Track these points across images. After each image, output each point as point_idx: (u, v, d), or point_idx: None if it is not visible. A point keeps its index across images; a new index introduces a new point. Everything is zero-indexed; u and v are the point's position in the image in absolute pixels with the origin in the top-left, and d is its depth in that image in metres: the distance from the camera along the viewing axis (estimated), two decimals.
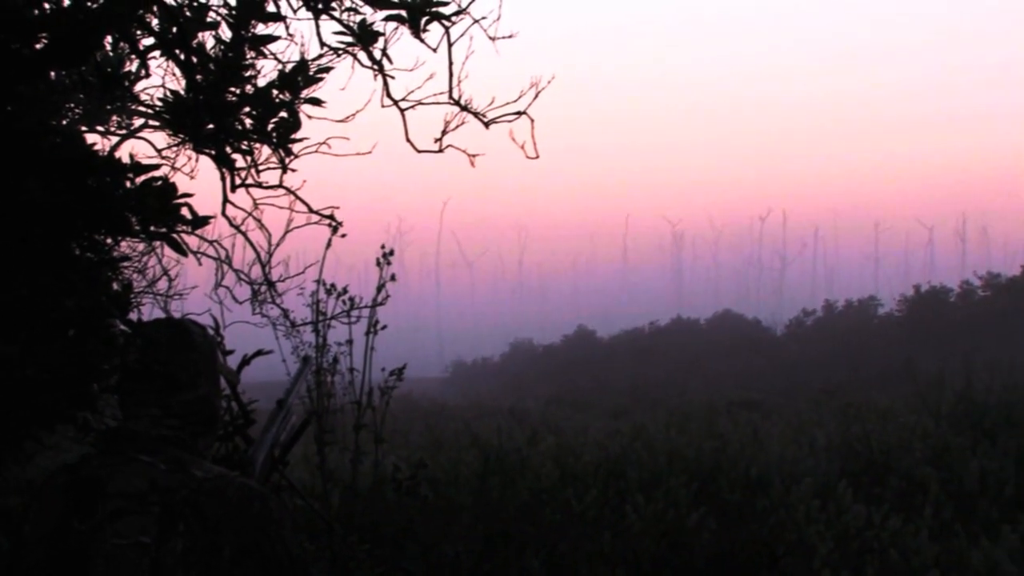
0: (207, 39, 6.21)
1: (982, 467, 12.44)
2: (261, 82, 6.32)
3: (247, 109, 6.32)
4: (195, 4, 6.06)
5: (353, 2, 6.31)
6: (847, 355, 62.27)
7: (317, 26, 6.40)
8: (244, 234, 7.40)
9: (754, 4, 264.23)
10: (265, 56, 6.32)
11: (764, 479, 11.94)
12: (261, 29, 6.22)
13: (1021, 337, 57.51)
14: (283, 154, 6.64)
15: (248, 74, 6.26)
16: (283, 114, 6.38)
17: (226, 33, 6.16)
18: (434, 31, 6.46)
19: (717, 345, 76.83)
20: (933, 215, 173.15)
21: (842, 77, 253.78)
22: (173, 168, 7.26)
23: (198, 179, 7.33)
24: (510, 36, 6.62)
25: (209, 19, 6.10)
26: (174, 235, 5.76)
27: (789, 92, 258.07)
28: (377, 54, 6.54)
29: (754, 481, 12.01)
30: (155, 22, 6.01)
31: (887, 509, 11.11)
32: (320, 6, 6.28)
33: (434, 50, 6.53)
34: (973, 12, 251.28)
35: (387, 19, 6.36)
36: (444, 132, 6.80)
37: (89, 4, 5.49)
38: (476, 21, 6.47)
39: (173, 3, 5.98)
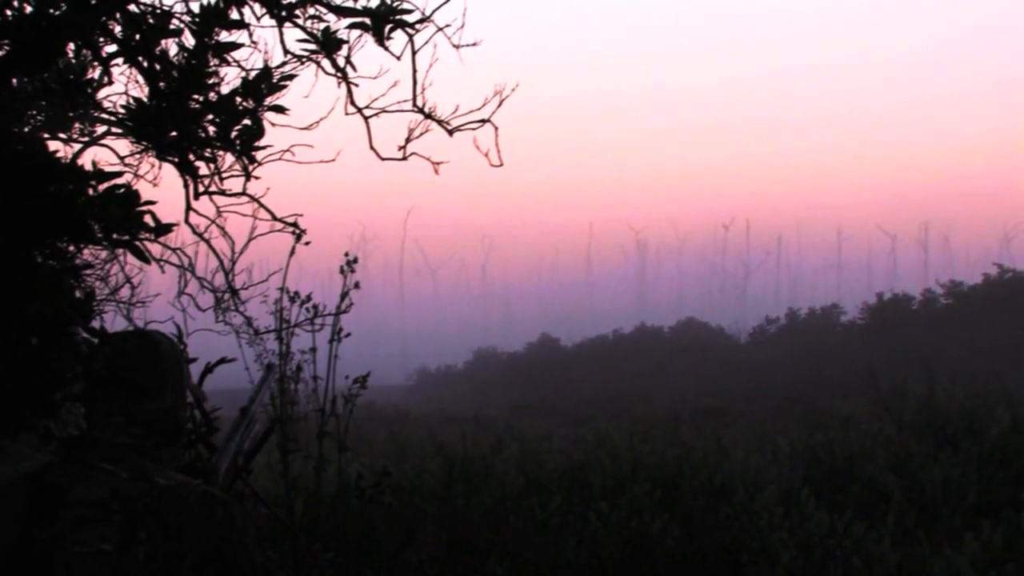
0: (170, 46, 6.20)
1: (944, 474, 12.50)
2: (224, 89, 6.32)
3: (210, 116, 6.31)
4: (158, 11, 6.05)
5: (317, 10, 6.32)
6: (810, 362, 62.49)
7: (281, 33, 6.39)
8: (207, 242, 7.39)
9: (715, 14, 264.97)
10: (228, 63, 6.31)
11: (727, 486, 11.96)
12: (224, 36, 6.21)
13: (983, 345, 57.82)
14: (246, 161, 6.63)
15: (211, 81, 6.26)
16: (247, 121, 6.37)
17: (189, 40, 6.16)
18: (398, 39, 6.47)
19: (681, 352, 77.00)
20: (895, 223, 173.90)
21: (804, 84, 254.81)
22: (136, 176, 7.24)
23: (161, 187, 7.31)
24: (474, 44, 6.63)
25: (172, 26, 6.09)
26: (137, 242, 5.75)
27: (751, 100, 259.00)
28: (341, 62, 6.54)
29: (717, 488, 12.03)
30: (118, 29, 6.00)
31: (850, 516, 11.14)
32: (284, 13, 6.28)
33: (398, 58, 6.53)
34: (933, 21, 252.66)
35: (351, 27, 6.36)
36: (408, 140, 6.80)
37: (52, 11, 5.47)
38: (440, 29, 6.48)
39: (136, 10, 5.97)
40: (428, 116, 6.76)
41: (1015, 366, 47.88)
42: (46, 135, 7.20)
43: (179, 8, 6.14)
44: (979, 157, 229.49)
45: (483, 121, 6.73)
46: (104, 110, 6.87)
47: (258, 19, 6.28)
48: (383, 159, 6.94)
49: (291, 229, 7.38)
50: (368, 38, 6.43)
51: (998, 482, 12.56)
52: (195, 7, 6.13)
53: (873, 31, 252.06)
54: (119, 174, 5.64)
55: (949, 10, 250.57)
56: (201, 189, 6.83)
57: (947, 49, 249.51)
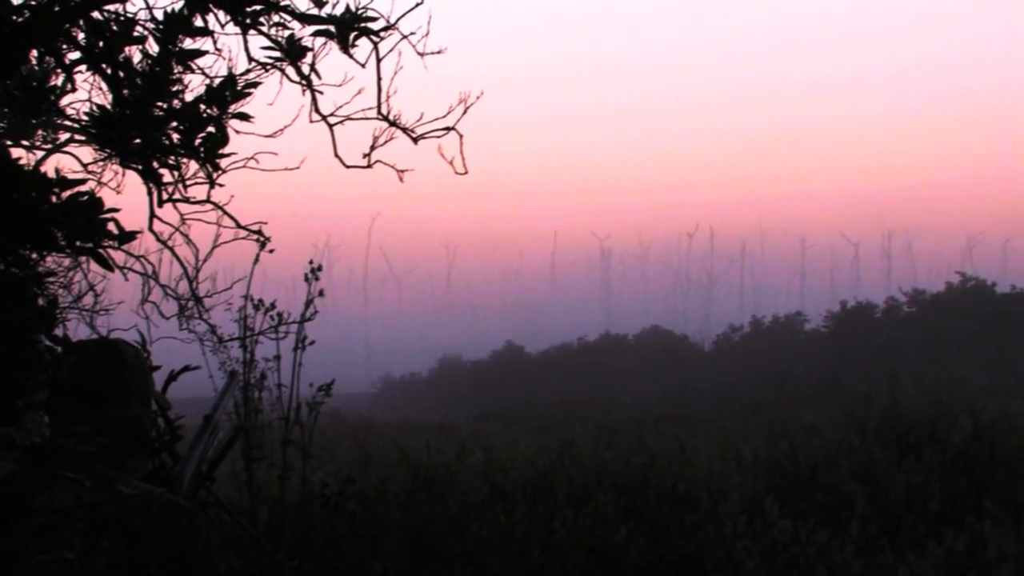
0: (134, 53, 6.18)
1: (907, 482, 12.54)
2: (188, 97, 6.30)
3: (174, 124, 6.30)
4: (122, 18, 6.03)
5: (281, 17, 6.31)
6: (774, 371, 62.69)
7: (245, 41, 6.38)
8: (171, 249, 7.37)
9: (683, 24, 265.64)
10: (192, 71, 6.30)
11: (692, 494, 11.97)
12: (188, 44, 6.20)
13: (946, 353, 58.12)
14: (211, 169, 6.61)
15: (175, 89, 6.24)
16: (211, 129, 6.36)
17: (153, 47, 6.14)
18: (363, 46, 6.46)
19: (645, 361, 77.20)
20: (859, 231, 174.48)
21: (769, 93, 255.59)
22: (99, 183, 7.22)
23: (124, 194, 7.29)
24: (439, 52, 6.63)
25: (136, 33, 6.07)
26: (100, 250, 5.73)
27: (715, 109, 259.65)
28: (305, 69, 6.53)
29: (682, 496, 12.04)
30: (81, 36, 5.98)
31: (813, 524, 11.17)
32: (248, 21, 6.26)
33: (363, 65, 6.53)
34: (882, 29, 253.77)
35: (315, 34, 6.36)
36: (373, 147, 6.80)
37: (14, 18, 5.46)
38: (405, 37, 6.48)
39: (100, 17, 5.95)
40: (393, 124, 6.75)
41: (977, 374, 48.14)
42: (9, 142, 7.17)
43: (143, 15, 6.13)
44: (941, 166, 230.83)
45: (448, 129, 6.73)
46: (67, 117, 6.85)
47: (222, 26, 6.26)
48: (348, 167, 6.93)
49: (255, 237, 7.37)
50: (333, 46, 6.42)
51: (960, 489, 12.61)
52: (159, 14, 6.11)
53: (830, 43, 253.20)
54: (82, 181, 5.63)
55: (921, 20, 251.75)
56: (165, 196, 6.81)
57: (909, 61, 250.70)
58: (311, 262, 9.63)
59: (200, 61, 6.28)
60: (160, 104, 6.21)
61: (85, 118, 6.38)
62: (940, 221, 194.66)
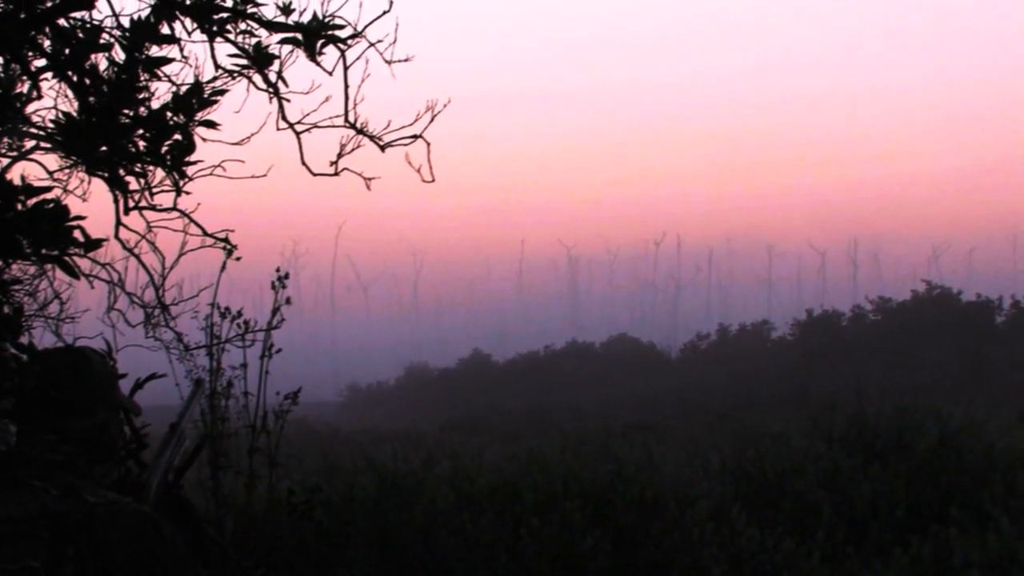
0: (100, 61, 6.16)
1: (874, 490, 12.57)
2: (155, 104, 6.28)
3: (141, 131, 6.28)
4: (88, 25, 6.02)
5: (248, 25, 6.30)
6: (741, 378, 62.81)
7: (212, 48, 6.37)
8: (137, 257, 7.34)
9: (649, 33, 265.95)
10: (159, 78, 6.28)
11: (659, 502, 11.97)
12: (155, 51, 6.18)
13: (911, 360, 58.33)
14: (177, 177, 6.59)
15: (142, 96, 6.22)
16: (177, 136, 6.34)
17: (120, 55, 6.12)
18: (330, 54, 6.46)
19: (612, 368, 77.27)
20: (825, 239, 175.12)
21: (734, 100, 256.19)
22: (65, 191, 7.19)
23: (91, 202, 7.27)
24: (406, 59, 6.63)
25: (102, 41, 6.06)
26: (66, 258, 5.71)
27: (682, 117, 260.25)
28: (272, 77, 6.52)
29: (649, 504, 12.04)
30: (47, 43, 5.96)
31: (780, 532, 11.19)
32: (215, 28, 6.25)
33: (330, 73, 6.52)
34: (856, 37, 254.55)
35: (282, 42, 6.35)
36: (340, 155, 6.79)
37: None
38: (372, 44, 6.48)
39: (66, 24, 5.94)
40: (360, 132, 6.75)
41: (943, 381, 48.32)
42: None
43: (109, 22, 6.11)
44: (907, 175, 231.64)
45: (415, 137, 6.73)
46: (33, 124, 6.82)
47: (189, 34, 6.25)
48: (315, 174, 6.92)
49: (222, 244, 7.35)
50: (300, 53, 6.42)
51: (926, 497, 12.65)
52: (125, 21, 6.10)
53: (801, 56, 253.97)
54: (48, 189, 5.61)
55: (896, 31, 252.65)
56: (131, 204, 6.79)
57: (875, 72, 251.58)
58: (278, 270, 9.62)
59: (167, 68, 6.26)
60: (126, 111, 6.19)
61: (51, 125, 6.36)
62: (906, 229, 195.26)
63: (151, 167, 6.53)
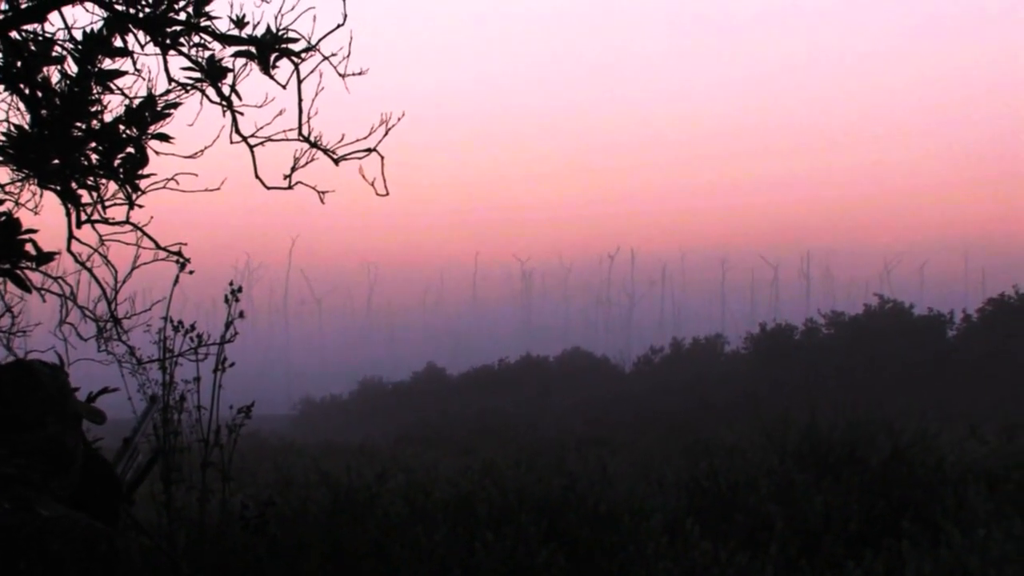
0: (52, 73, 6.15)
1: (826, 503, 12.60)
2: (108, 117, 6.28)
3: (93, 144, 6.27)
4: (40, 38, 6.00)
5: (202, 38, 6.29)
6: (694, 392, 62.92)
7: (165, 61, 6.36)
8: (90, 270, 7.32)
9: (605, 43, 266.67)
10: (112, 91, 6.27)
11: (613, 515, 11.98)
12: (108, 64, 6.17)
13: (864, 374, 58.57)
14: (130, 190, 6.58)
15: (94, 109, 6.21)
16: (130, 149, 6.33)
17: (72, 67, 6.11)
18: (284, 67, 6.46)
19: (566, 382, 77.29)
20: (778, 253, 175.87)
21: (684, 116, 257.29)
22: (17, 204, 7.16)
23: (42, 215, 7.24)
24: (360, 73, 6.64)
25: (55, 53, 6.04)
26: (18, 271, 5.69)
27: (634, 130, 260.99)
28: (226, 90, 6.52)
29: (603, 517, 12.05)
30: None
31: (734, 545, 11.21)
32: (168, 41, 6.25)
33: (283, 86, 6.53)
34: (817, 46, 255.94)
35: (236, 55, 6.35)
36: (294, 168, 6.79)
37: None
38: (326, 58, 6.49)
39: (18, 37, 5.92)
40: (314, 145, 6.75)
41: (896, 395, 48.52)
42: None
43: (62, 35, 6.10)
44: (859, 189, 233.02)
45: (369, 150, 6.73)
46: None
47: (142, 47, 6.25)
48: (268, 188, 6.92)
49: (175, 258, 7.34)
50: (253, 67, 6.42)
51: (879, 511, 12.69)
52: (78, 34, 6.08)
53: (756, 71, 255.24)
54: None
55: (840, 50, 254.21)
56: (83, 217, 6.78)
57: (825, 87, 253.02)
58: (231, 283, 9.58)
59: (119, 81, 6.26)
60: (79, 124, 6.18)
61: (2, 138, 6.34)
62: (858, 243, 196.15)
63: (104, 180, 6.52)
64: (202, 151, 6.79)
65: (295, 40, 6.37)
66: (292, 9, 6.31)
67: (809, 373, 59.29)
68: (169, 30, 6.24)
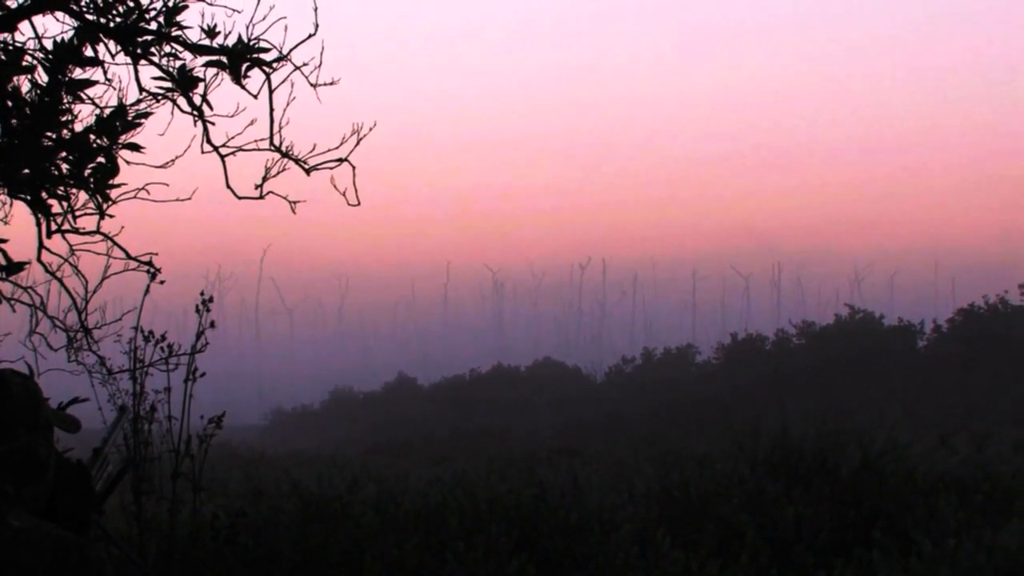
0: (23, 83, 6.13)
1: (797, 513, 12.61)
2: (78, 127, 6.26)
3: (64, 154, 6.25)
4: (10, 47, 5.98)
5: (173, 47, 6.29)
6: (666, 402, 63.04)
7: (136, 71, 6.35)
8: (60, 280, 7.30)
9: (575, 53, 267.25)
10: (83, 100, 6.26)
11: (584, 525, 11.98)
12: (79, 73, 6.16)
13: (834, 384, 58.74)
14: (100, 200, 6.57)
15: (65, 119, 6.20)
16: (101, 159, 6.32)
17: (42, 77, 6.10)
18: (255, 77, 6.46)
19: (537, 392, 77.31)
20: (749, 264, 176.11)
21: (654, 126, 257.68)
22: None
23: (12, 225, 7.22)
24: (331, 83, 6.64)
25: (25, 63, 6.03)
26: None
27: (603, 141, 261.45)
28: (197, 100, 6.51)
29: (574, 527, 12.04)
30: None
31: (704, 555, 11.22)
32: (139, 51, 6.24)
33: (255, 96, 6.52)
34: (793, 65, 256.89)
35: (207, 65, 6.34)
36: (265, 178, 6.78)
37: None
38: (297, 68, 6.48)
39: None
40: (285, 155, 6.74)
41: (866, 405, 48.66)
42: None
43: (32, 44, 6.08)
44: (829, 199, 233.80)
45: (341, 160, 6.73)
46: None
47: (113, 56, 6.23)
48: (240, 198, 6.91)
49: (145, 268, 7.33)
50: (225, 76, 6.41)
51: (849, 521, 12.71)
52: (48, 44, 6.07)
53: (727, 81, 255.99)
54: None
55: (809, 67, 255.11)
56: (54, 227, 6.76)
57: (796, 98, 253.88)
58: (202, 293, 9.56)
59: (90, 91, 6.25)
60: (49, 134, 6.17)
61: None
62: (829, 254, 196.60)
63: (74, 190, 6.50)
64: (173, 161, 6.77)
65: (266, 50, 6.37)
66: (264, 19, 6.31)
67: (780, 383, 59.43)
68: (140, 40, 6.23)
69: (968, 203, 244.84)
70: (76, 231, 6.86)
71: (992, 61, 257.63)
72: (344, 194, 6.84)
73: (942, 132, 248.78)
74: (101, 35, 6.15)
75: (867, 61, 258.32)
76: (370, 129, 6.76)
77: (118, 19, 6.20)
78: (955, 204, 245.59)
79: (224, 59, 6.33)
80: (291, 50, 6.42)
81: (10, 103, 6.01)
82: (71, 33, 6.13)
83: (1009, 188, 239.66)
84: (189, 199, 7.14)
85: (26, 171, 6.22)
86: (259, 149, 6.73)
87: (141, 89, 6.41)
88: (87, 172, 6.31)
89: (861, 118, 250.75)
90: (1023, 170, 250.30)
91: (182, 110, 6.58)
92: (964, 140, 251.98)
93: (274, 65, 6.46)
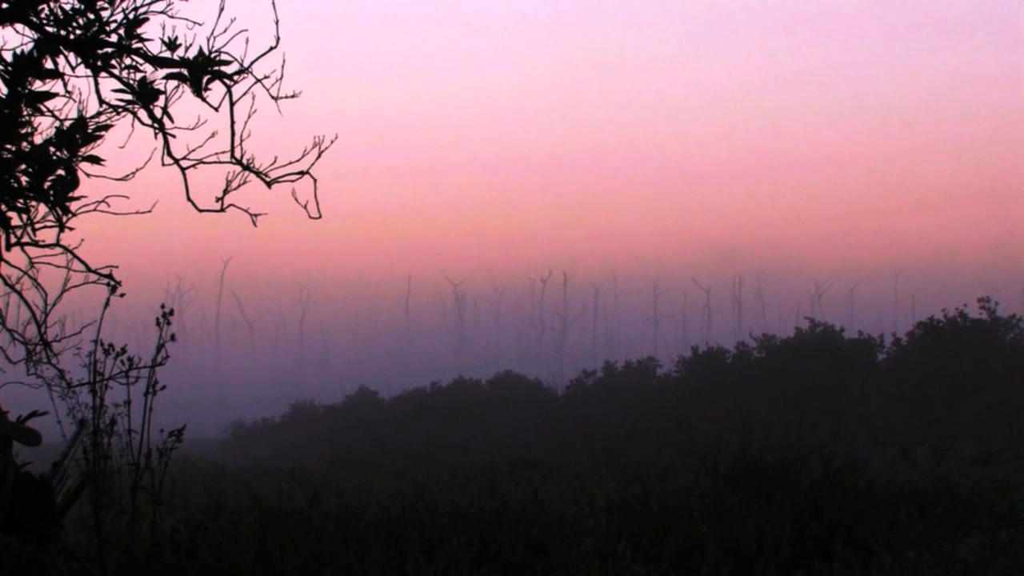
0: None
1: (758, 526, 12.64)
2: (38, 139, 6.24)
3: (23, 166, 6.22)
4: None
5: (134, 60, 6.27)
6: (627, 415, 63.14)
7: (96, 83, 6.34)
8: (19, 293, 7.27)
9: (534, 68, 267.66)
10: (42, 113, 6.23)
11: (545, 539, 11.97)
12: (38, 86, 6.14)
13: (796, 397, 58.96)
14: (60, 212, 6.54)
15: (24, 131, 6.17)
16: (60, 172, 6.29)
17: (2, 89, 6.07)
18: (216, 90, 6.44)
19: (498, 405, 77.34)
20: (710, 277, 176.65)
21: (614, 138, 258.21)
22: None
23: None
24: (293, 96, 6.63)
25: None
26: None
27: (565, 154, 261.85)
28: (158, 112, 6.49)
29: (535, 541, 12.04)
30: None
31: (666, 568, 11.23)
32: (99, 63, 6.22)
33: (216, 109, 6.51)
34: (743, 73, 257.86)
35: (168, 77, 6.33)
36: (226, 191, 6.77)
37: None
38: (259, 80, 6.48)
39: None
40: (246, 168, 6.73)
41: (827, 418, 48.85)
42: None
43: None
44: (790, 212, 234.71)
45: (302, 173, 6.72)
46: None
47: (73, 68, 6.22)
48: (200, 211, 6.89)
49: (106, 280, 7.30)
50: (185, 89, 6.39)
51: (811, 533, 12.74)
52: (8, 55, 6.05)
53: (695, 92, 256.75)
54: None
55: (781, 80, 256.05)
56: (13, 240, 6.72)
57: (760, 109, 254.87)
58: (163, 306, 9.53)
59: (50, 103, 6.22)
60: (9, 147, 6.14)
61: None
62: (789, 267, 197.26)
63: (34, 203, 6.47)
64: (133, 173, 6.75)
65: (228, 63, 6.36)
66: (225, 32, 6.30)
67: (741, 396, 59.60)
68: (100, 52, 6.21)
69: (928, 218, 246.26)
70: (35, 244, 6.83)
71: (959, 75, 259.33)
72: (305, 207, 6.83)
73: (900, 146, 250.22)
74: (61, 47, 6.14)
75: (826, 71, 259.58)
76: (331, 142, 6.76)
77: (78, 31, 6.19)
78: (915, 218, 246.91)
79: (185, 72, 6.32)
80: (252, 63, 6.41)
81: None
82: (31, 45, 6.11)
83: (968, 202, 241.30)
84: (150, 212, 7.12)
85: None
86: (220, 162, 6.72)
87: (101, 101, 6.40)
88: (47, 185, 6.29)
89: (820, 132, 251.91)
90: (982, 184, 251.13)
91: (143, 123, 6.56)
92: (922, 155, 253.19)
93: (235, 78, 6.45)
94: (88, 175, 6.44)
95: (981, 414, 54.23)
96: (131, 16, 6.24)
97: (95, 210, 6.69)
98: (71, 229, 6.76)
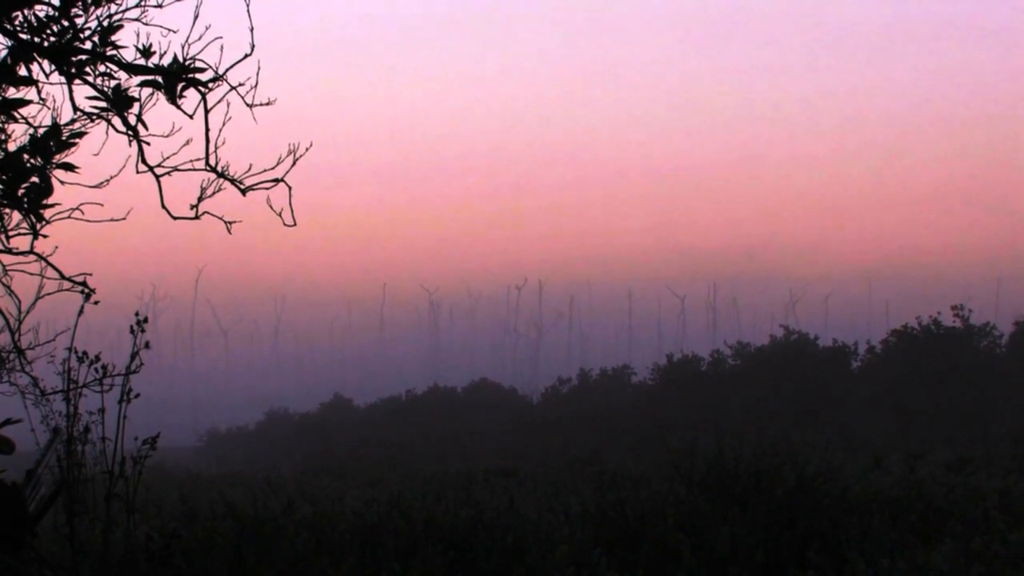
0: None
1: (733, 533, 12.66)
2: (12, 146, 6.22)
3: None
4: None
5: (108, 67, 6.26)
6: (602, 423, 63.21)
7: (71, 90, 6.32)
8: None
9: (513, 76, 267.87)
10: (16, 120, 6.22)
11: (520, 547, 11.97)
12: (12, 93, 6.12)
13: (770, 405, 59.08)
14: (34, 220, 6.52)
15: None
16: (34, 179, 6.28)
17: None
18: (191, 97, 6.43)
19: (474, 413, 77.38)
20: (685, 285, 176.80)
21: (591, 145, 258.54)
22: None
23: None
24: (268, 103, 6.63)
25: None
26: None
27: (541, 162, 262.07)
28: (132, 119, 6.48)
29: (510, 549, 12.04)
30: None
31: (641, 575, 11.24)
32: (73, 70, 6.21)
33: (190, 116, 6.50)
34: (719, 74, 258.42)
35: (142, 84, 6.32)
36: (200, 199, 6.75)
37: None
38: (233, 88, 6.47)
39: None
40: (221, 175, 6.72)
41: (801, 425, 48.95)
42: None
43: None
44: (765, 221, 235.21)
45: (277, 180, 6.72)
46: None
47: (47, 75, 6.20)
48: (175, 218, 6.88)
49: (79, 288, 7.28)
50: (160, 96, 6.38)
51: (785, 541, 12.76)
52: None
53: (666, 101, 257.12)
54: None
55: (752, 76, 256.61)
56: None
57: (733, 116, 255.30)
58: (137, 313, 9.51)
59: (24, 110, 6.21)
60: None
61: None
62: (764, 275, 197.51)
63: (7, 210, 6.45)
64: (108, 181, 6.74)
65: (202, 70, 6.35)
66: (199, 39, 6.29)
67: (715, 403, 59.71)
68: (74, 59, 6.20)
69: (902, 226, 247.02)
70: (9, 251, 6.81)
71: (937, 82, 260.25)
72: (280, 214, 6.83)
73: (875, 154, 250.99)
74: (35, 54, 6.12)
75: (803, 71, 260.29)
76: (307, 149, 6.76)
77: (52, 38, 6.17)
78: (889, 225, 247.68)
79: (159, 79, 6.31)
80: (227, 70, 6.40)
81: None
82: (4, 52, 6.10)
83: (943, 212, 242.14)
84: (124, 219, 7.10)
85: None
86: (195, 169, 6.71)
87: (75, 109, 6.38)
88: (20, 192, 6.27)
89: (792, 142, 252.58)
90: (956, 192, 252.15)
91: (117, 130, 6.54)
92: (897, 162, 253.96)
93: (210, 85, 6.44)
94: (62, 182, 6.42)
95: (954, 421, 54.40)
96: (105, 23, 6.23)
97: (69, 217, 6.67)
98: (45, 236, 6.74)
